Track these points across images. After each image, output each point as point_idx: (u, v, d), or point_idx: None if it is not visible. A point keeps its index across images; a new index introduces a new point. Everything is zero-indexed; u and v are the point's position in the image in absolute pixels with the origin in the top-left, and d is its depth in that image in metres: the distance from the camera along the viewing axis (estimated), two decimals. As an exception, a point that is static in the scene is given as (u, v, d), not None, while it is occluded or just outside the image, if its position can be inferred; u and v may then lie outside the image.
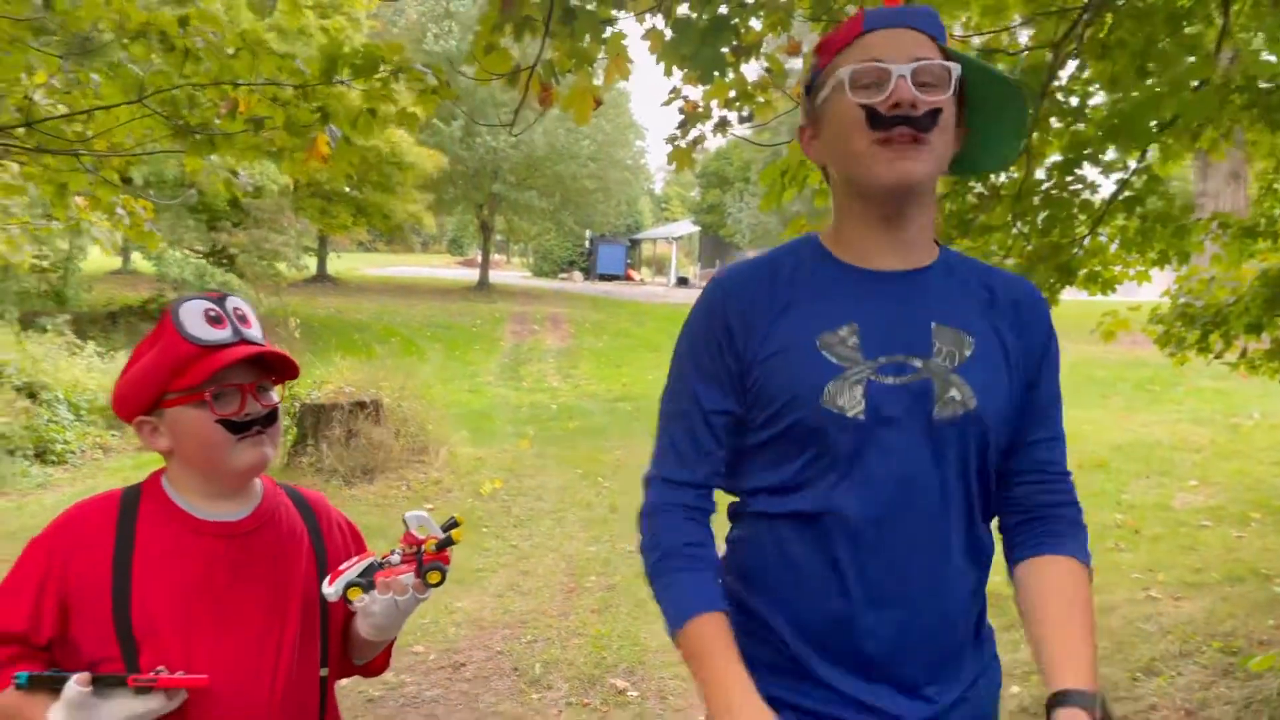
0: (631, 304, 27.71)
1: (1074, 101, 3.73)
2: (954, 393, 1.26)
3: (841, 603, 1.30)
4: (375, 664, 1.64)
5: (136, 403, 1.44)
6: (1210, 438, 8.76)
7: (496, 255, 38.96)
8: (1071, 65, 3.74)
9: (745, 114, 3.24)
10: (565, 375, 16.40)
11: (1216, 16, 3.83)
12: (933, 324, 1.28)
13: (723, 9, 2.71)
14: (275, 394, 1.48)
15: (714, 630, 1.27)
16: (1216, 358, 5.27)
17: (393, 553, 1.43)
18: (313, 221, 21.78)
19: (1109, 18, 3.49)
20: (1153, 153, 3.98)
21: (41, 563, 1.39)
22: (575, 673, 4.26)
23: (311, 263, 27.63)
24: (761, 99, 3.20)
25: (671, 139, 3.40)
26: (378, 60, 3.18)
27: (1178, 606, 4.70)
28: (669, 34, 2.78)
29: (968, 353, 1.28)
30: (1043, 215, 3.66)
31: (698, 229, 40.76)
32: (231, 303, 1.45)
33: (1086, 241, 4.08)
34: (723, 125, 3.27)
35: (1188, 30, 3.73)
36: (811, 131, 1.37)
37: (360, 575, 1.41)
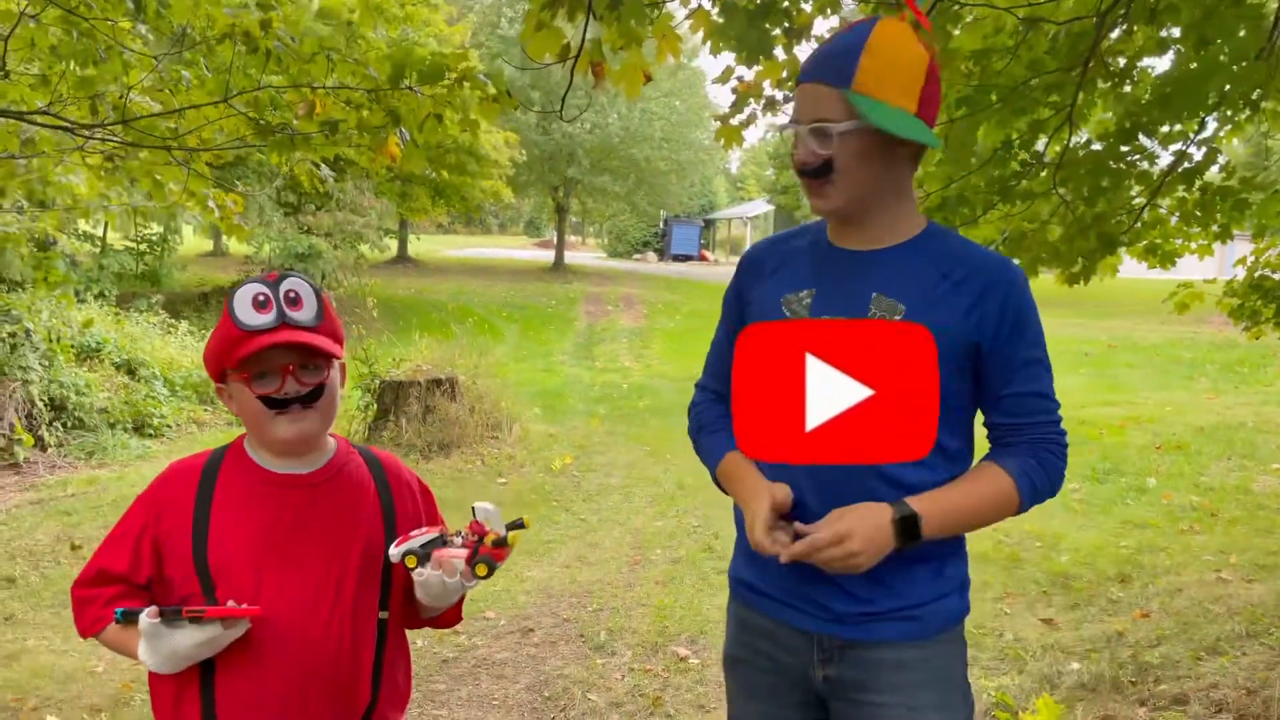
0: (705, 284, 27.73)
1: (1121, 63, 3.69)
2: None
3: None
4: (446, 618, 1.77)
5: (212, 373, 1.63)
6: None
7: (572, 236, 39.31)
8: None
9: (793, 94, 3.29)
10: (638, 355, 16.55)
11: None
12: (874, 294, 1.55)
13: (767, -7, 2.78)
14: (324, 372, 1.58)
15: (733, 461, 1.67)
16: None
17: (458, 534, 1.56)
18: (393, 203, 22.28)
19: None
20: (1213, 123, 3.91)
21: (141, 513, 1.60)
22: (639, 640, 4.40)
23: (393, 245, 28.29)
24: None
25: (723, 117, 3.47)
26: (443, 67, 3.33)
27: (1249, 588, 4.63)
28: (716, 15, 2.86)
29: (897, 317, 1.52)
30: (1087, 185, 3.63)
31: (772, 208, 40.48)
32: (286, 285, 1.57)
33: (1145, 213, 4.04)
34: (772, 104, 3.33)
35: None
36: None
37: (421, 546, 1.54)
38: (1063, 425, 1.61)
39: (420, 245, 33.69)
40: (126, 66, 4.05)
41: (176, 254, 20.08)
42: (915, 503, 1.48)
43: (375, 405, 8.29)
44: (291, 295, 1.57)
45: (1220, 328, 14.83)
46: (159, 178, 4.68)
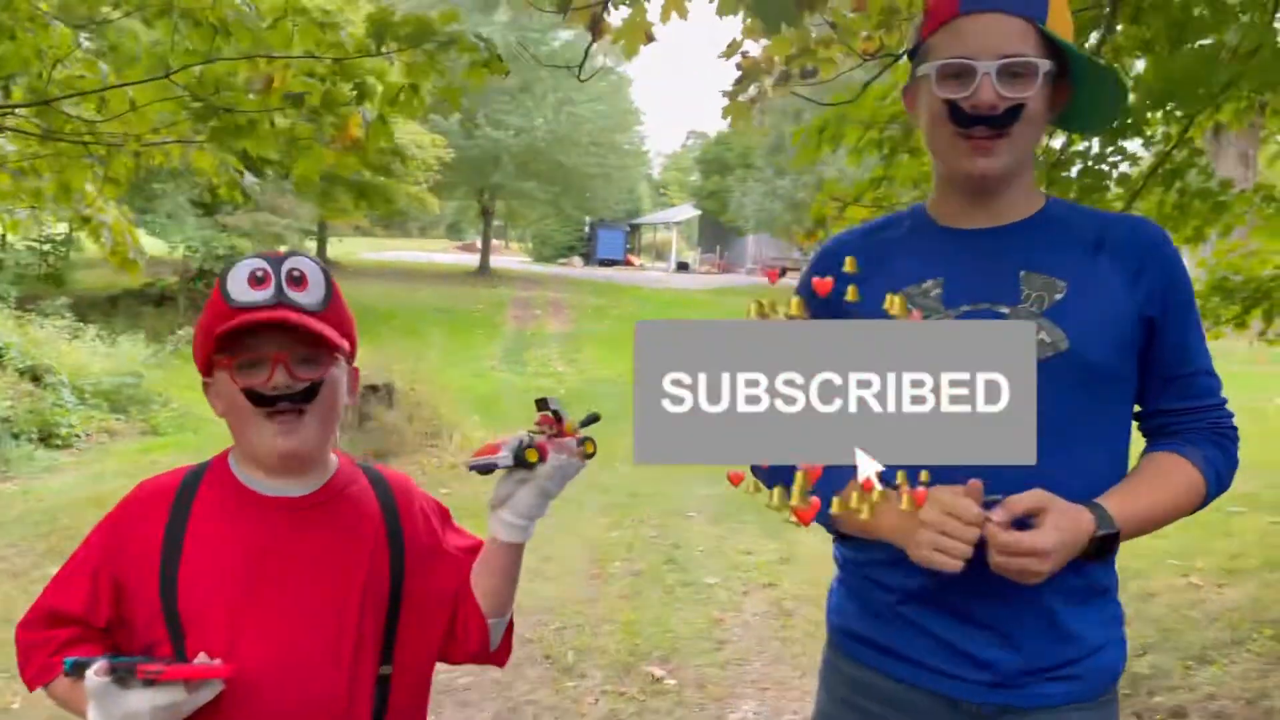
0: (633, 289, 27.62)
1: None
2: (1043, 335, 1.28)
3: None
4: (502, 650, 1.50)
5: (198, 363, 1.37)
6: (1236, 423, 8.67)
7: (495, 240, 38.80)
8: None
9: (810, 70, 3.10)
10: (569, 360, 16.33)
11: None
12: (1021, 272, 1.33)
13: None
14: (324, 368, 1.32)
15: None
16: (1260, 336, 5.17)
17: (535, 434, 1.39)
18: (315, 205, 21.59)
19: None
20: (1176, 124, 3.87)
21: (100, 543, 1.35)
22: (609, 660, 4.16)
23: (311, 246, 27.49)
24: (825, 55, 3.07)
25: (730, 94, 3.26)
26: (430, 28, 3.01)
27: (1221, 593, 4.62)
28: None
29: (1058, 296, 1.31)
30: (1077, 186, 3.56)
31: (698, 214, 40.60)
32: (291, 262, 1.32)
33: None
34: (785, 80, 3.13)
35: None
36: (911, 99, 1.43)
37: (521, 445, 1.35)
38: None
39: (340, 247, 32.84)
40: (49, 45, 3.60)
41: (83, 253, 19.14)
42: (1110, 507, 1.26)
43: (307, 413, 7.90)
44: (295, 274, 1.31)
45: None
46: (69, 183, 4.15)
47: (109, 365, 10.98)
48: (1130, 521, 1.27)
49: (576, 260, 38.84)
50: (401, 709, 1.39)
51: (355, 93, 3.16)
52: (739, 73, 3.19)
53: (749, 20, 2.82)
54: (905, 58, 1.49)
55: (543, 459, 1.34)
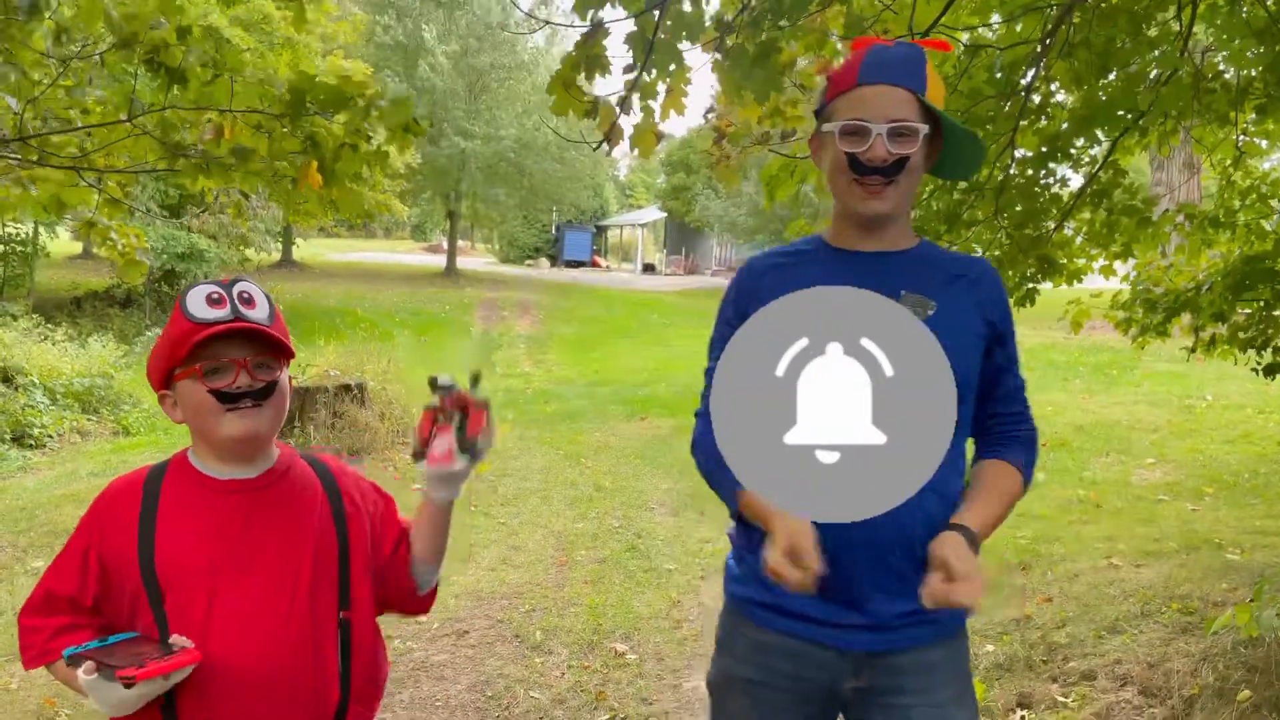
0: (600, 290, 27.87)
1: (1036, 99, 3.96)
2: None
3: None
4: (429, 597, 1.81)
5: (155, 378, 1.61)
6: (1166, 419, 9.14)
7: (461, 241, 38.88)
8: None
9: (790, 132, 3.43)
10: (537, 361, 16.55)
11: (1173, 22, 4.10)
12: (902, 291, 1.61)
13: (765, 35, 2.89)
14: (278, 371, 1.59)
15: (753, 496, 1.61)
16: (1193, 351, 5.56)
17: (448, 418, 1.63)
18: (280, 205, 21.60)
19: (1077, 17, 3.74)
20: (1104, 146, 4.20)
21: (84, 531, 1.59)
22: (574, 638, 4.46)
23: (277, 248, 27.44)
24: (793, 114, 3.38)
25: (717, 158, 3.57)
26: (347, 95, 3.19)
27: (1138, 573, 4.99)
28: (724, 61, 2.96)
29: (930, 313, 1.60)
30: (1019, 208, 3.89)
31: (664, 215, 40.96)
32: (239, 286, 1.58)
33: (1053, 234, 4.33)
34: (764, 139, 3.45)
35: (1149, 32, 3.99)
36: (816, 147, 1.75)
37: (458, 435, 1.62)
38: None
39: (305, 249, 32.79)
40: (29, 82, 3.71)
41: (45, 255, 19.06)
42: (972, 524, 1.54)
43: (281, 412, 8.09)
44: (245, 295, 1.58)
45: (1088, 332, 15.75)
46: (62, 200, 4.32)
47: (79, 366, 11.06)
48: (985, 531, 1.58)
49: (543, 261, 39.03)
50: (364, 644, 1.67)
51: (307, 144, 3.33)
52: (719, 136, 3.50)
53: (721, 90, 3.11)
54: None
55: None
